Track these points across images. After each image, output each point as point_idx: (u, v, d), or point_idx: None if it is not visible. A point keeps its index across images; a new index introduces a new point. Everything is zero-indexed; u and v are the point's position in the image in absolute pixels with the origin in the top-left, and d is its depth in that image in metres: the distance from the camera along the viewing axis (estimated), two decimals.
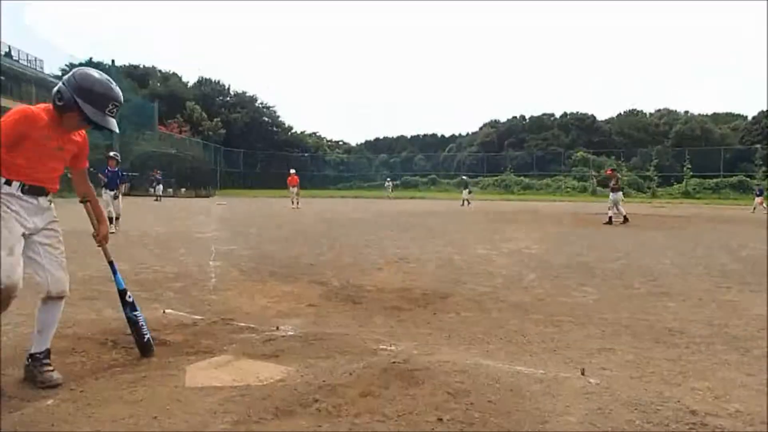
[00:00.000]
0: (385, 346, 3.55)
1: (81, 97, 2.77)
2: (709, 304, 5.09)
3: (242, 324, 4.11)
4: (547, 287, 5.91)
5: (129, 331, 3.75)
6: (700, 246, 10.31)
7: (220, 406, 2.52)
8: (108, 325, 3.98)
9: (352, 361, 3.21)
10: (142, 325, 3.31)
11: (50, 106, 2.83)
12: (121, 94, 2.92)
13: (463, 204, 29.17)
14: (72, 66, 41.94)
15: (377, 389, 2.75)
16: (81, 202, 3.19)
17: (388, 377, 2.93)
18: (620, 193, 17.24)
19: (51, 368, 2.84)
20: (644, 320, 4.47)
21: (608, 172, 20.10)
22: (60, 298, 2.90)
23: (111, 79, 2.92)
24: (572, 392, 2.78)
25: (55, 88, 2.84)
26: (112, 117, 2.90)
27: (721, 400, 2.73)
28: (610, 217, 16.43)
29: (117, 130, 2.99)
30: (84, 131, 3.05)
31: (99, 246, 3.26)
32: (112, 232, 8.62)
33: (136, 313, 3.31)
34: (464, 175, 39.08)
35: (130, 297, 3.33)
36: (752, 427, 2.42)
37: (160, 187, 31.56)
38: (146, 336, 3.31)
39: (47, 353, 2.88)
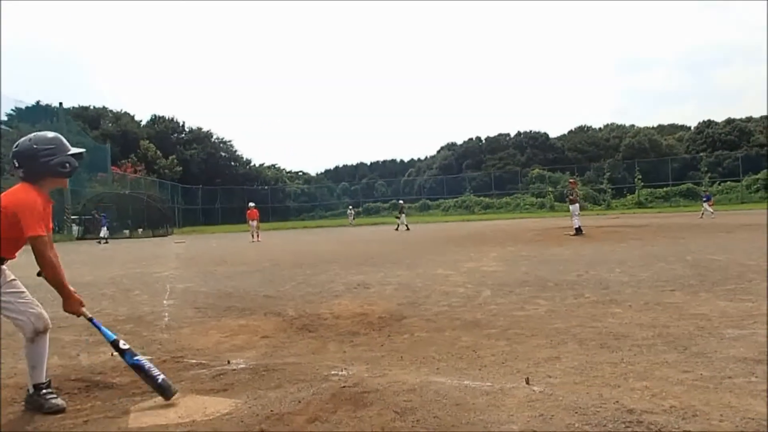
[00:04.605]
0: (336, 372, 3.56)
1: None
2: (653, 308, 5.28)
3: (193, 361, 4.06)
4: (502, 303, 6.03)
5: (73, 377, 3.69)
6: (648, 253, 10.67)
7: None
8: (53, 371, 3.86)
9: (301, 389, 3.20)
10: (149, 367, 3.20)
11: None
12: None
13: (398, 228, 29.05)
14: (19, 111, 41.00)
15: (325, 414, 2.76)
16: None
17: (337, 402, 2.94)
18: (576, 205, 17.81)
19: (55, 396, 3.10)
20: (592, 327, 4.61)
21: (570, 182, 20.81)
22: (45, 331, 3.09)
23: None
24: (516, 402, 2.84)
25: None
26: None
27: (658, 398, 2.84)
28: (577, 228, 17.01)
29: None
30: None
31: None
32: None
33: (136, 358, 3.22)
34: (400, 200, 38.92)
35: (124, 344, 3.25)
36: (684, 421, 2.53)
37: (105, 229, 30.55)
38: (159, 377, 3.15)
39: (49, 383, 3.13)
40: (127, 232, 38.38)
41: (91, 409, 3.07)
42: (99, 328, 3.27)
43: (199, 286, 8.58)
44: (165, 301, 7.11)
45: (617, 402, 2.78)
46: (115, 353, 3.33)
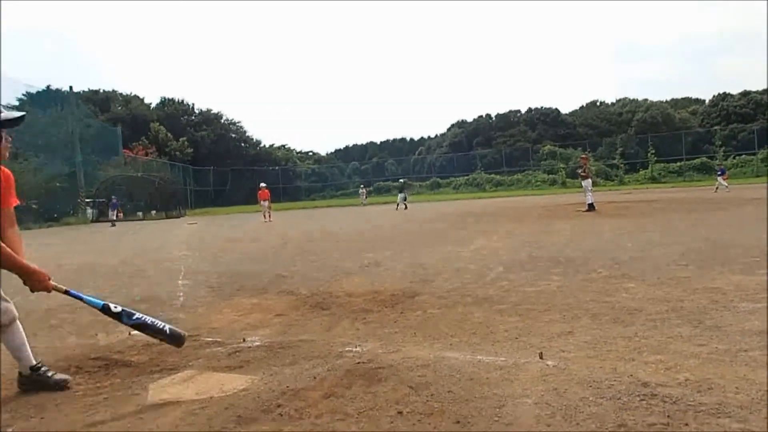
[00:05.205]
0: (350, 348, 3.59)
1: None
2: (666, 282, 5.25)
3: (209, 339, 4.11)
4: (513, 279, 6.02)
5: (92, 355, 3.75)
6: (661, 228, 10.59)
7: (181, 420, 2.53)
8: (72, 351, 3.95)
9: (316, 365, 3.24)
10: (152, 321, 3.20)
11: None
12: None
13: (406, 207, 29.09)
14: (30, 95, 41.13)
15: (340, 390, 2.79)
16: None
17: (352, 377, 2.97)
18: (589, 180, 17.60)
19: (54, 372, 3.13)
20: (605, 302, 4.59)
21: (582, 157, 20.65)
22: (11, 323, 3.02)
23: None
24: (530, 376, 2.85)
25: None
26: None
27: (672, 371, 2.84)
28: (590, 204, 16.85)
29: None
30: None
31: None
32: None
33: (135, 317, 3.15)
34: (402, 179, 38.71)
35: (116, 307, 3.13)
36: (699, 393, 2.52)
37: (113, 212, 31.30)
38: (165, 328, 3.21)
39: (41, 362, 3.13)
40: (140, 214, 38.77)
41: (110, 386, 3.12)
42: (81, 298, 3.07)
43: (212, 266, 8.66)
44: (179, 282, 7.18)
45: (631, 375, 2.78)
46: (133, 332, 3.34)
